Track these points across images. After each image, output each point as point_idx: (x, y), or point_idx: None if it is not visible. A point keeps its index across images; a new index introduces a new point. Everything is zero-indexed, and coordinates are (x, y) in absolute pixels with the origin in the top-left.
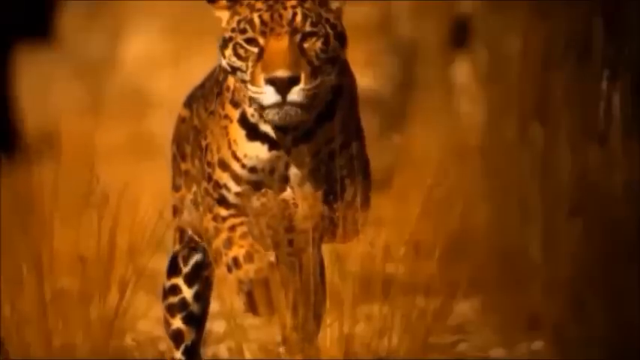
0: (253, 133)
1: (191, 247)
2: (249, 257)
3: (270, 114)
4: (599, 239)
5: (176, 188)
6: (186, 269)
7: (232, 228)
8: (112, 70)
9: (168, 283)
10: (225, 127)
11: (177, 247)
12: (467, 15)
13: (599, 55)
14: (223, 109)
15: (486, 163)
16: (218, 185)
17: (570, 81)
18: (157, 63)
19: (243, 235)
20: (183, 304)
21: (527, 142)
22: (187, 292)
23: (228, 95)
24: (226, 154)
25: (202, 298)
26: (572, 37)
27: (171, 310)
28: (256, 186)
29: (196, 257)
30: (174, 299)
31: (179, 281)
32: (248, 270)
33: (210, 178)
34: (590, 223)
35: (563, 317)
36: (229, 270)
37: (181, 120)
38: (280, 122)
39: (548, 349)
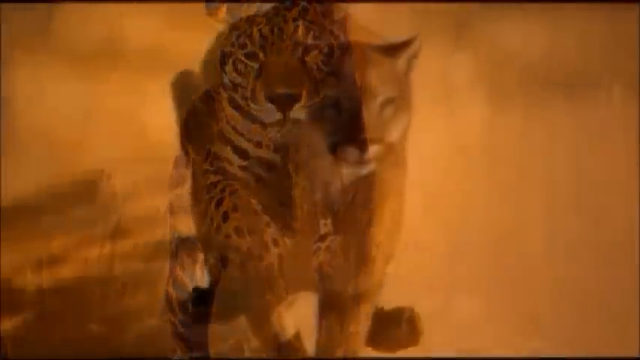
0: (250, 116)
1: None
2: (234, 208)
3: (272, 132)
4: (600, 238)
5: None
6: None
7: (223, 190)
8: (111, 67)
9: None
10: (220, 102)
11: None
12: (467, 13)
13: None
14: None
15: (487, 161)
16: (216, 157)
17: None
18: (155, 61)
19: (233, 192)
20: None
21: (528, 140)
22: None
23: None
24: (226, 128)
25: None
26: None
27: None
28: (260, 161)
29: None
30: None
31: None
32: (234, 218)
33: (208, 154)
34: (591, 222)
35: (564, 317)
36: (218, 230)
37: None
38: (282, 140)
39: (549, 348)
